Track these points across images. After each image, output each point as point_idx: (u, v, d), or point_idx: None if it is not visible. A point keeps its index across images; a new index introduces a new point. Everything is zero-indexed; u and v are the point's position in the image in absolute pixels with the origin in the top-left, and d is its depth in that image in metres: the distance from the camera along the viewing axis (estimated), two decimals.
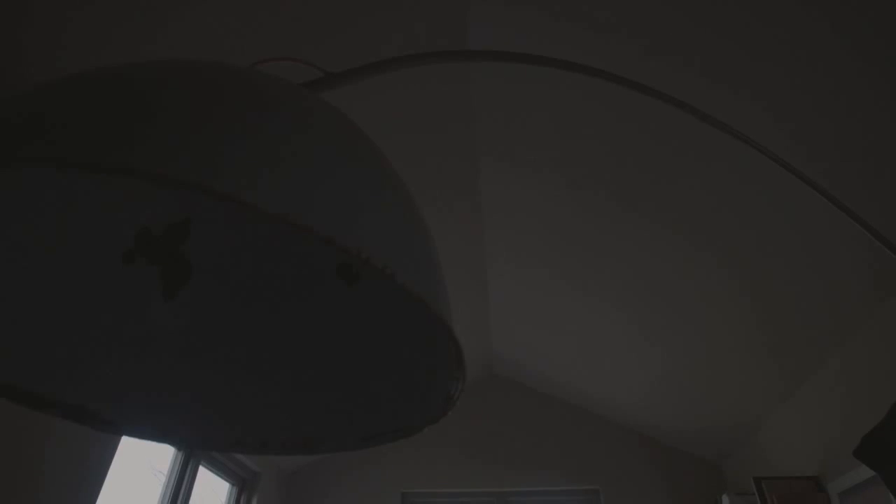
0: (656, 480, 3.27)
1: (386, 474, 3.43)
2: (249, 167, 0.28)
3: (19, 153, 0.27)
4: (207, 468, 2.78)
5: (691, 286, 2.26)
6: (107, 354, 0.59)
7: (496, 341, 3.40)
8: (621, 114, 1.75)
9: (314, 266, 0.60)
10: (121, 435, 0.51)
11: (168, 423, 0.56)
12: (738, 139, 0.78)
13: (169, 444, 0.56)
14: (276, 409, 0.55)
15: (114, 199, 0.60)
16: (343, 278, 0.58)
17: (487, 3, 1.60)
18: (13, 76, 1.24)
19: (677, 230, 2.05)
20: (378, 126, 1.61)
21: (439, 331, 0.39)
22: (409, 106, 1.86)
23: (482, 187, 2.28)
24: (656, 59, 1.56)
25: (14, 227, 0.48)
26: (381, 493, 3.36)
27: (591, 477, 3.32)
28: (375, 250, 0.29)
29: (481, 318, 3.13)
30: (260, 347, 0.58)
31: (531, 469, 3.37)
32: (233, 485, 3.05)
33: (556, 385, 3.53)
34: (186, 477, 2.55)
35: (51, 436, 1.70)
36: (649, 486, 3.25)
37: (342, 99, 0.98)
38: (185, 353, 0.59)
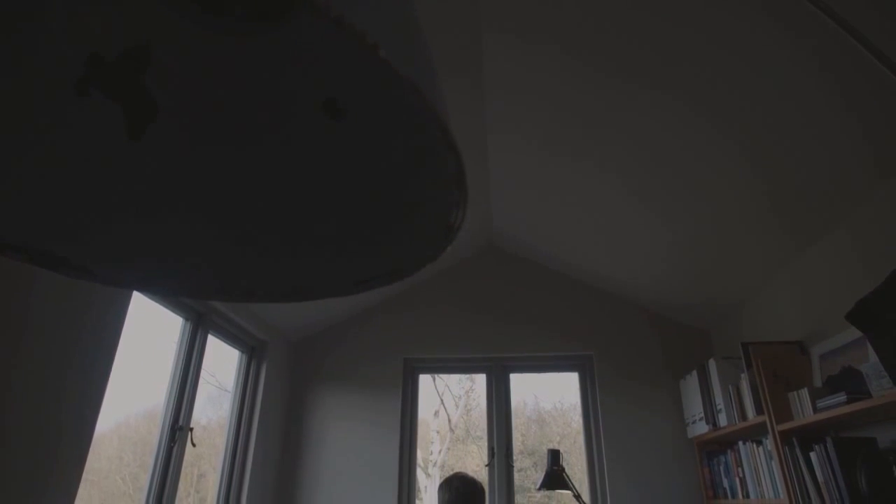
0: (647, 347, 3.44)
1: (388, 342, 3.59)
2: None
3: None
4: (216, 336, 2.89)
5: (692, 159, 2.23)
6: (73, 199, 0.53)
7: (496, 213, 3.38)
8: None
9: (292, 101, 0.52)
10: (95, 282, 0.47)
11: (145, 271, 0.52)
12: None
13: (148, 292, 0.53)
14: (261, 257, 0.51)
15: (60, 23, 0.51)
16: (327, 113, 0.51)
17: None
18: None
19: (679, 103, 1.99)
20: None
21: (435, 143, 0.33)
22: None
23: (484, 62, 2.15)
24: None
25: None
26: (384, 359, 3.55)
27: (585, 344, 3.49)
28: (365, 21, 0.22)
29: (482, 190, 3.08)
30: (236, 193, 0.53)
31: (528, 337, 3.53)
32: (242, 352, 3.21)
33: (553, 256, 3.57)
34: (196, 345, 2.66)
35: (48, 297, 1.72)
36: (640, 352, 3.43)
37: None
38: (156, 200, 0.54)
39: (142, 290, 0.52)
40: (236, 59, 0.50)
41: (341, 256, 0.48)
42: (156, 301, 2.40)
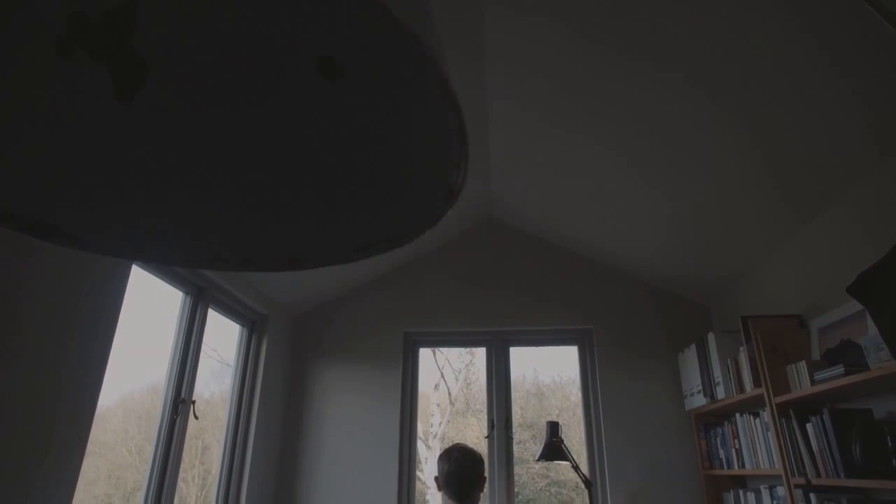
0: (646, 320, 3.45)
1: (389, 316, 3.61)
2: None
3: None
4: (216, 311, 2.90)
5: (692, 133, 2.22)
6: (63, 166, 0.52)
7: (496, 186, 3.36)
8: None
9: (288, 60, 0.50)
10: (88, 251, 0.45)
11: (139, 240, 0.51)
12: None
13: (143, 262, 0.52)
14: (258, 225, 0.50)
15: None
16: (325, 72, 0.49)
17: None
18: None
19: (678, 76, 1.97)
20: None
21: (435, 99, 0.32)
22: None
23: (486, 35, 2.14)
24: None
25: None
26: (385, 333, 3.57)
27: (584, 317, 3.50)
28: None
29: (481, 161, 3.05)
30: (232, 158, 0.51)
31: (528, 310, 3.54)
32: (243, 326, 3.22)
33: (553, 230, 3.56)
34: (197, 319, 2.66)
35: (46, 268, 1.71)
36: (639, 326, 3.44)
37: None
38: (149, 166, 0.52)
39: (136, 259, 0.51)
40: (229, 16, 0.48)
41: (339, 223, 0.46)
42: (155, 275, 2.39)
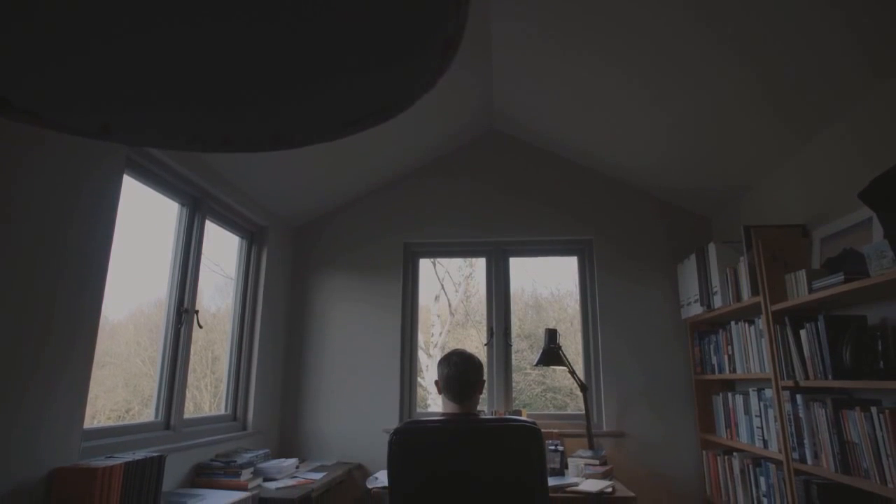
0: (647, 231, 3.44)
1: (389, 226, 3.59)
2: None
3: None
4: (214, 222, 2.87)
5: (689, 49, 2.20)
6: (14, 35, 0.46)
7: (497, 96, 3.22)
8: None
9: None
10: (45, 128, 0.41)
11: (105, 117, 0.46)
12: None
13: (110, 140, 0.47)
14: (237, 99, 0.45)
15: None
16: None
17: None
18: None
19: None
20: None
21: None
22: None
23: None
24: None
25: None
26: (385, 243, 3.57)
27: (585, 228, 3.48)
28: None
29: (484, 73, 2.90)
30: (205, 24, 0.45)
31: (528, 221, 3.52)
32: (242, 238, 3.21)
33: (554, 142, 3.46)
34: (195, 230, 2.64)
35: (37, 171, 1.67)
36: (639, 237, 3.43)
37: None
38: (114, 34, 0.46)
39: (103, 137, 0.47)
40: None
41: (325, 94, 0.41)
42: (147, 184, 2.34)
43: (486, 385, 2.07)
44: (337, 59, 0.38)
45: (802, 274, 2.10)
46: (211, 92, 0.44)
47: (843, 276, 1.85)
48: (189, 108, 0.44)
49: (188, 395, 2.59)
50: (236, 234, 3.15)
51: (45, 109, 0.43)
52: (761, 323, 2.40)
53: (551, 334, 3.10)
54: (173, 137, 0.47)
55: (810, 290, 2.03)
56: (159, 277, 2.52)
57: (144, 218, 2.49)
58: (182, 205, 2.61)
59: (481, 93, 3.15)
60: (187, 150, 0.48)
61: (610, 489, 2.47)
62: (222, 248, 3.11)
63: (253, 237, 3.27)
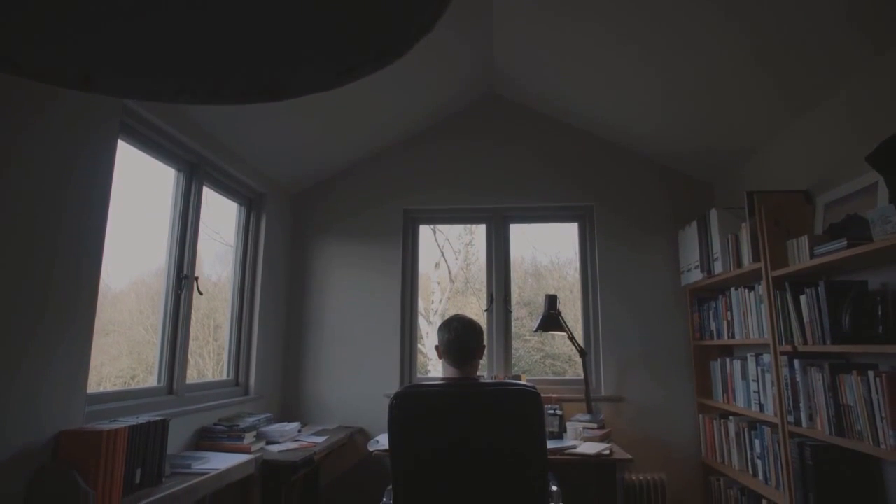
0: (649, 197, 3.41)
1: (388, 192, 3.56)
2: None
3: None
4: (212, 189, 2.84)
5: (686, 18, 2.17)
6: None
7: (498, 61, 3.15)
8: None
9: None
10: (23, 76, 0.38)
11: (89, 66, 0.44)
12: None
13: (94, 91, 0.45)
14: (224, 45, 0.42)
15: None
16: None
17: None
18: None
19: None
20: None
21: None
22: None
23: None
24: None
25: None
26: (384, 210, 3.54)
27: (586, 194, 3.45)
28: None
29: (485, 38, 2.83)
30: None
31: (529, 187, 3.48)
32: (240, 204, 3.18)
33: (555, 107, 3.40)
34: (192, 196, 2.62)
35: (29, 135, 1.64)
36: (641, 203, 3.41)
37: None
38: None
39: (85, 88, 0.44)
40: None
41: (319, 41, 0.39)
42: (140, 149, 2.31)
43: (486, 351, 2.09)
44: (329, 14, 0.36)
45: (804, 240, 2.08)
46: (198, 40, 0.42)
47: (845, 242, 1.84)
48: (175, 58, 0.42)
49: (191, 362, 2.61)
50: (235, 201, 3.12)
51: (23, 57, 0.41)
52: (761, 289, 2.40)
53: (551, 300, 3.10)
54: (159, 89, 0.44)
55: (812, 256, 2.02)
56: (160, 246, 2.51)
57: (143, 186, 2.47)
58: (179, 170, 2.58)
59: (481, 55, 3.08)
60: (175, 101, 0.46)
61: (608, 451, 2.51)
62: (222, 216, 3.09)
63: (252, 204, 3.24)
